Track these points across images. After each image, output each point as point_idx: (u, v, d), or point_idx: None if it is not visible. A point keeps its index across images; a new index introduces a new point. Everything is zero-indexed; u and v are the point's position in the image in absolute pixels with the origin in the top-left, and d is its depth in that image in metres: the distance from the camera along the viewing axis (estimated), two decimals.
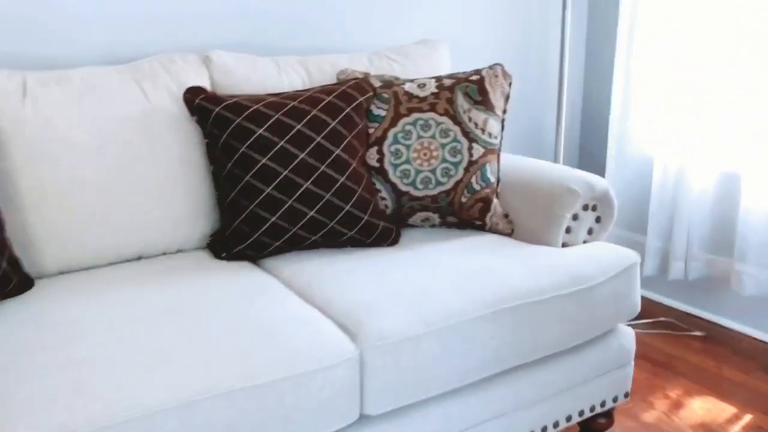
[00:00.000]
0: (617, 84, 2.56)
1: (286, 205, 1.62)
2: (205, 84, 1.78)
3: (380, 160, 1.80)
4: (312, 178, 1.64)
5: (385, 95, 1.83)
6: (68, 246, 1.56)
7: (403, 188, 1.79)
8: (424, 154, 1.78)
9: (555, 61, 2.71)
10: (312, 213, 1.64)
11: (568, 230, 1.81)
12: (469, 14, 2.46)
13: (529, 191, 1.83)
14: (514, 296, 1.50)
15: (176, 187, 1.68)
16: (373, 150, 1.80)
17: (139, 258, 1.70)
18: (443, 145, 1.78)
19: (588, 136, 2.89)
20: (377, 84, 1.84)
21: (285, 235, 1.65)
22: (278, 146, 1.62)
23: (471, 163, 1.79)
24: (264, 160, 1.62)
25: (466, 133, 1.79)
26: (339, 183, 1.66)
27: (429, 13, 2.36)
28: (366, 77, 1.86)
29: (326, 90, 1.74)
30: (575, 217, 1.80)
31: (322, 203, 1.65)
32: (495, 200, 1.83)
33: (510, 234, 1.85)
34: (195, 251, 1.74)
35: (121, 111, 1.63)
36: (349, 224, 1.69)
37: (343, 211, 1.67)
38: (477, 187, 1.80)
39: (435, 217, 1.83)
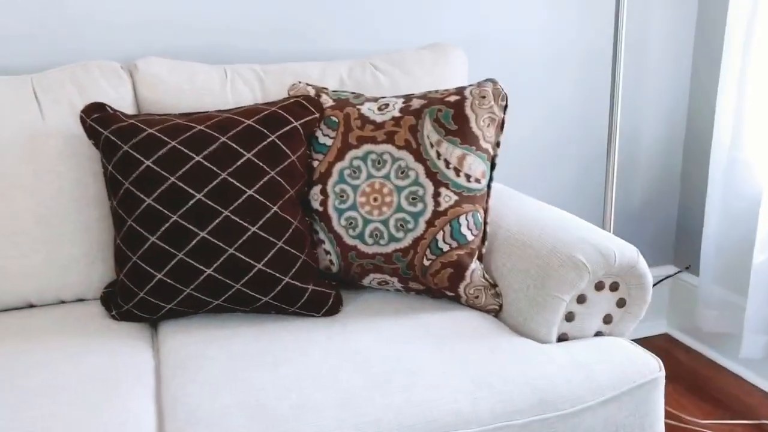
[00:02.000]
0: (724, 100, 1.92)
1: (175, 260, 1.26)
2: (125, 98, 1.46)
3: (324, 203, 1.38)
4: (211, 227, 1.26)
5: (334, 118, 1.40)
6: None
7: (350, 241, 1.36)
8: (375, 199, 1.34)
9: (651, 82, 2.12)
10: (209, 271, 1.27)
11: (570, 317, 1.28)
12: (523, 8, 1.94)
13: (524, 256, 1.33)
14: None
15: (64, 224, 1.38)
16: (317, 189, 1.39)
17: (31, 306, 1.42)
18: (399, 189, 1.33)
19: (689, 171, 2.25)
20: (329, 103, 1.43)
21: (176, 296, 1.29)
22: (168, 183, 1.27)
23: (436, 214, 1.32)
24: (149, 201, 1.27)
25: (431, 174, 1.32)
26: (249, 233, 1.28)
27: (466, 7, 1.88)
28: (317, 93, 1.45)
29: (249, 111, 1.36)
30: (581, 300, 1.28)
31: (223, 259, 1.27)
32: (474, 265, 1.34)
33: (497, 312, 1.36)
34: (95, 302, 1.44)
35: (4, 132, 1.35)
36: (263, 287, 1.29)
37: (254, 270, 1.28)
38: (444, 246, 1.32)
39: (394, 281, 1.38)
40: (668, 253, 2.35)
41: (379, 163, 1.34)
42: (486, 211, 1.38)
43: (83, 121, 1.35)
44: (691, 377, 2.09)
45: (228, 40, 1.70)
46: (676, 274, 2.32)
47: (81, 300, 1.44)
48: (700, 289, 2.05)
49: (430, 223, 1.31)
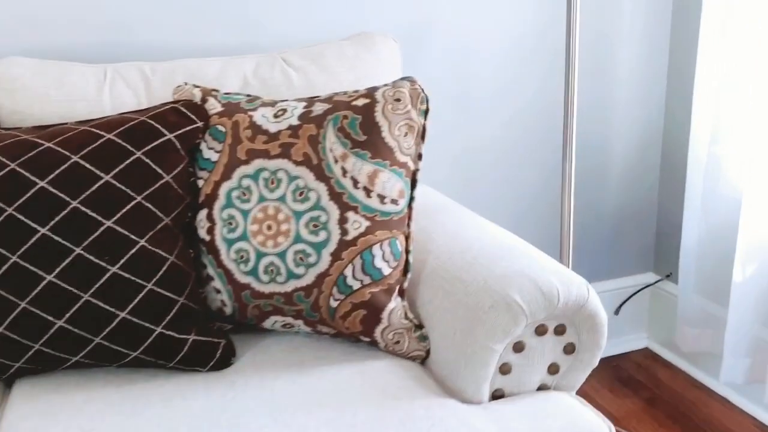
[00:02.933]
0: (701, 91, 1.67)
1: (18, 310, 1.02)
2: None
3: (211, 231, 1.14)
4: (59, 268, 1.02)
5: (221, 128, 1.15)
6: None
7: (242, 279, 1.12)
8: (268, 227, 1.10)
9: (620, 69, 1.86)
10: (61, 322, 1.03)
11: (506, 369, 1.04)
12: None
13: (452, 291, 1.09)
14: None
15: None
16: (203, 214, 1.14)
17: None
18: (297, 214, 1.08)
19: (669, 171, 2.00)
20: (216, 109, 1.18)
21: (24, 353, 1.04)
22: (4, 215, 1.02)
23: (344, 244, 1.07)
24: None
25: (336, 196, 1.08)
26: (108, 274, 1.03)
27: None
28: (204, 97, 1.20)
29: (112, 122, 1.10)
30: (519, 348, 1.04)
31: (77, 307, 1.03)
32: (393, 304, 1.10)
33: (423, 359, 1.12)
34: None
35: None
36: (130, 340, 1.05)
37: (116, 320, 1.04)
38: (354, 284, 1.08)
39: (300, 324, 1.14)
40: (648, 260, 2.11)
41: (272, 182, 1.09)
42: (408, 237, 1.13)
43: None
44: (673, 401, 1.86)
45: (124, 36, 1.45)
46: (656, 282, 2.08)
47: None
48: (680, 300, 1.82)
49: (335, 256, 1.07)
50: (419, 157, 1.12)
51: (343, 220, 1.07)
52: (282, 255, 1.08)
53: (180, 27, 1.48)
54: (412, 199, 1.13)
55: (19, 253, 1.01)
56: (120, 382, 1.07)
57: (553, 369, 1.07)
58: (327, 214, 1.07)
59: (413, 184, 1.12)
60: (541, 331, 1.04)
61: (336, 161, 1.07)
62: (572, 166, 1.57)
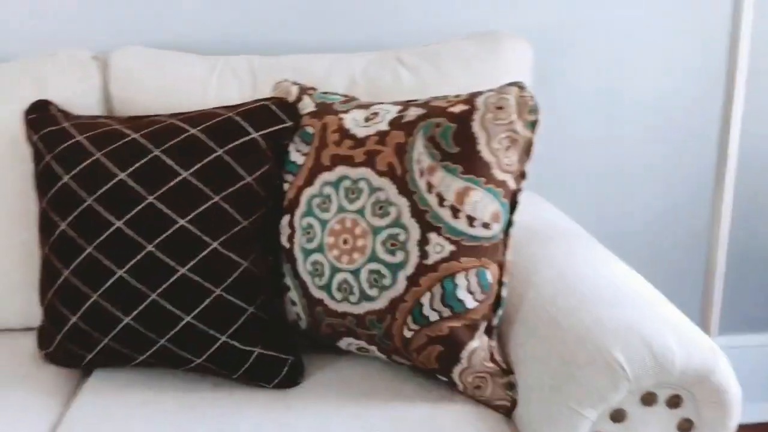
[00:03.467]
0: None
1: (89, 302, 1.00)
2: (90, 96, 1.23)
3: (291, 239, 1.06)
4: (131, 263, 0.99)
5: (310, 130, 1.07)
6: None
7: (316, 293, 1.03)
8: (344, 242, 0.99)
9: None
10: (128, 320, 1.00)
11: None
12: None
13: (548, 337, 0.92)
14: None
15: (2, 244, 1.17)
16: (286, 220, 1.07)
17: None
18: (375, 230, 0.97)
19: None
20: (308, 109, 1.09)
21: (95, 346, 1.03)
22: (84, 205, 1.01)
23: (422, 268, 0.94)
24: (63, 226, 1.02)
25: (419, 213, 0.95)
26: (177, 276, 0.99)
27: None
28: (299, 96, 1.12)
29: (201, 116, 1.06)
30: (618, 417, 0.85)
31: (144, 306, 0.99)
32: (476, 343, 0.95)
33: (508, 410, 0.96)
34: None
35: None
36: (194, 346, 1.00)
37: (181, 324, 0.99)
38: (432, 315, 0.95)
39: (374, 350, 1.03)
40: None
41: (353, 192, 0.99)
42: (502, 267, 0.98)
43: (27, 123, 1.13)
44: None
45: (242, 30, 1.42)
46: None
47: (29, 329, 1.24)
48: None
49: (412, 281, 0.95)
50: (522, 175, 0.97)
51: (424, 242, 0.94)
52: (356, 273, 0.98)
53: (302, 24, 1.43)
54: (510, 224, 0.97)
55: (94, 244, 1.00)
56: (184, 387, 1.03)
57: None
58: (407, 233, 0.95)
59: (513, 206, 0.97)
60: (648, 400, 0.84)
61: (422, 174, 0.94)
62: (729, 183, 1.31)
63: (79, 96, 1.23)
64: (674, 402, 0.85)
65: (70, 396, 1.07)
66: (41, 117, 1.11)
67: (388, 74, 1.24)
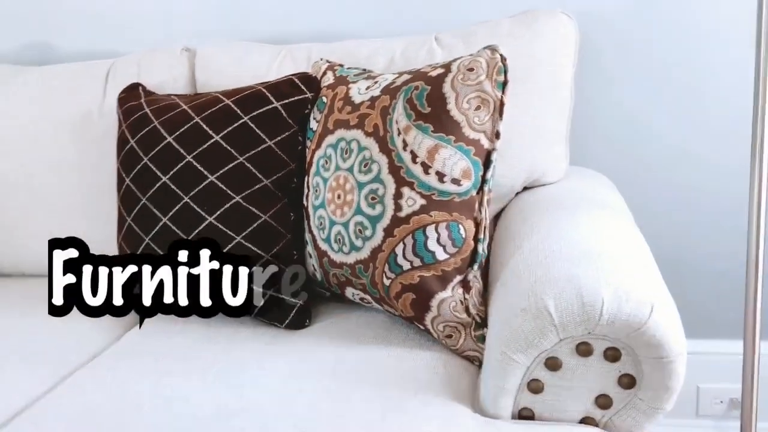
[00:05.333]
0: None
1: (143, 244, 1.21)
2: (179, 80, 1.46)
3: (307, 197, 1.18)
4: (171, 212, 1.18)
5: (324, 99, 1.18)
6: (2, 249, 1.50)
7: (321, 245, 1.14)
8: (338, 197, 1.09)
9: None
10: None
11: (536, 387, 0.87)
12: None
13: (508, 292, 0.94)
14: None
15: (104, 200, 1.43)
16: (305, 181, 1.19)
17: None
18: (360, 185, 1.05)
19: None
20: (329, 82, 1.20)
21: None
22: (141, 164, 1.22)
23: (396, 220, 1.01)
24: (127, 180, 1.23)
25: (395, 169, 1.02)
26: (205, 223, 1.15)
27: None
28: (326, 71, 1.23)
29: (237, 90, 1.23)
30: (553, 365, 0.85)
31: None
32: (446, 294, 1.00)
33: (480, 362, 1.00)
34: None
35: (63, 112, 1.46)
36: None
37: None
38: (404, 264, 1.01)
39: (370, 299, 1.11)
40: None
41: (346, 152, 1.09)
42: (479, 224, 1.02)
43: (118, 101, 1.39)
44: None
45: (325, 20, 1.58)
46: None
47: None
48: None
49: (388, 232, 1.02)
50: (497, 135, 1.00)
51: (398, 195, 1.01)
52: (346, 225, 1.08)
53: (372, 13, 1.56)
54: (484, 181, 1.01)
55: (147, 196, 1.21)
56: (208, 325, 1.19)
57: (603, 402, 0.85)
58: (384, 188, 1.03)
59: (486, 164, 1.01)
60: (583, 350, 0.84)
61: (399, 133, 1.02)
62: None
63: (170, 81, 1.46)
64: (612, 355, 0.84)
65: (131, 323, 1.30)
66: (129, 95, 1.36)
67: (424, 53, 1.32)
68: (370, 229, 1.04)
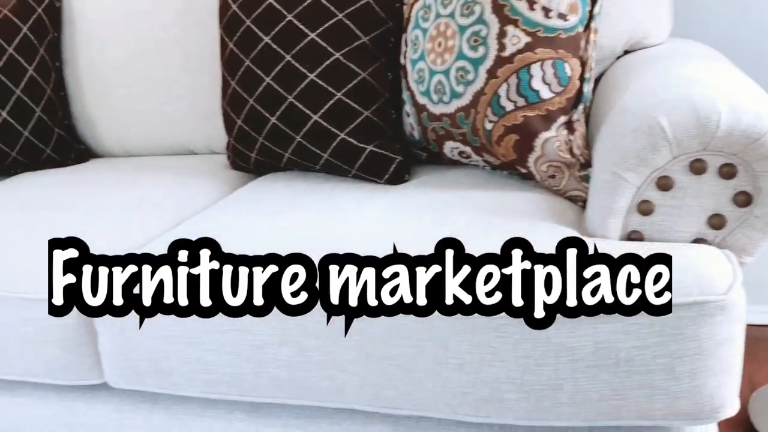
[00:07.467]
0: None
1: (247, 106, 1.24)
2: None
3: (405, 55, 1.18)
4: (274, 72, 1.20)
5: None
6: (110, 130, 1.57)
7: (420, 99, 1.14)
8: (439, 45, 1.08)
9: None
10: (273, 119, 1.21)
11: (646, 209, 0.86)
12: None
13: (613, 124, 0.93)
14: None
15: (204, 76, 1.47)
16: (402, 38, 1.19)
17: (191, 153, 1.58)
18: (462, 29, 1.04)
19: None
20: None
21: (254, 144, 1.27)
22: (244, 26, 1.24)
23: (500, 60, 1.00)
24: (230, 45, 1.27)
25: (498, 8, 1.00)
26: (307, 81, 1.18)
27: None
28: None
29: None
30: (665, 185, 0.84)
31: (283, 107, 1.20)
32: (550, 133, 0.99)
33: (585, 202, 0.99)
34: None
35: None
36: (320, 142, 1.19)
37: (310, 123, 1.18)
38: (508, 105, 1.00)
39: (469, 151, 1.12)
40: None
41: None
42: (585, 63, 1.00)
43: None
44: None
45: None
46: None
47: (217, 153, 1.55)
48: None
49: (491, 73, 1.02)
50: None
51: (501, 35, 1.00)
52: (446, 73, 1.07)
53: None
54: (591, 17, 0.99)
55: (250, 57, 1.24)
56: (314, 180, 1.23)
57: (716, 222, 0.84)
58: (487, 28, 1.02)
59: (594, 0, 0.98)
60: (697, 168, 0.82)
61: None
62: None
63: None
64: (727, 172, 0.82)
65: (239, 186, 1.35)
66: None
67: None
68: (472, 72, 1.04)
